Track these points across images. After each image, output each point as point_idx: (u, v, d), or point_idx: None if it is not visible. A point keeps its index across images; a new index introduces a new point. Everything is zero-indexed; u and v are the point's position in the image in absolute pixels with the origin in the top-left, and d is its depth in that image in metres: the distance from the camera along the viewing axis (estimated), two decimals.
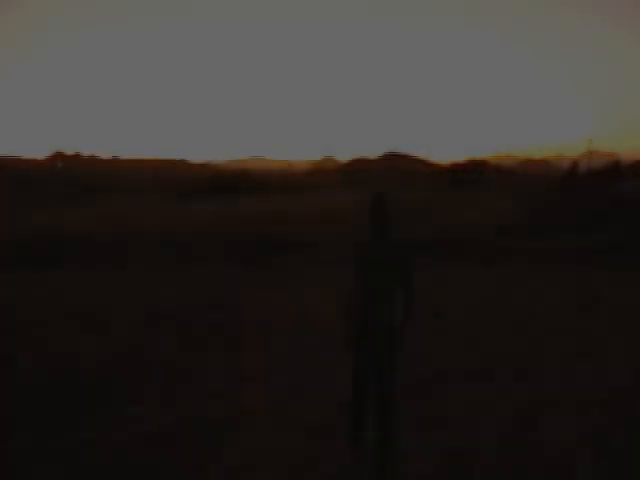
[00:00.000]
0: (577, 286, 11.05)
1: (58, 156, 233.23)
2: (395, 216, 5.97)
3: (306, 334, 7.98)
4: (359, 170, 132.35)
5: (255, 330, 8.43)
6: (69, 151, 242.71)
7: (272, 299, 10.73)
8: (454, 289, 11.23)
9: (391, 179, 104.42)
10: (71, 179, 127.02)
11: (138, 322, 9.09)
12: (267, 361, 6.94)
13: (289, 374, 6.43)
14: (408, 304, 3.83)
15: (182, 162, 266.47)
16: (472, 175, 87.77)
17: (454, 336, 7.80)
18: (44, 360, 7.17)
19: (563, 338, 7.59)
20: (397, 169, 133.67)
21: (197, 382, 6.27)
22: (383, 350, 3.79)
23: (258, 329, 8.49)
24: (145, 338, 8.16)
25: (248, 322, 8.93)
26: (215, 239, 22.10)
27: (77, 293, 11.85)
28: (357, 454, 4.14)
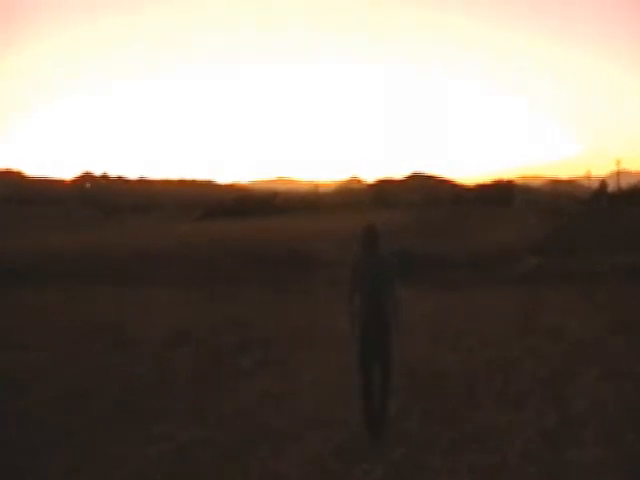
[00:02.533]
0: (610, 306, 10.88)
1: (86, 177, 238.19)
2: (384, 240, 6.16)
3: (327, 353, 8.01)
4: (385, 191, 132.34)
5: (277, 349, 8.50)
6: (97, 172, 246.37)
7: (293, 318, 10.80)
8: (483, 310, 11.14)
9: (417, 199, 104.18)
10: (100, 200, 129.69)
11: (164, 340, 9.24)
12: (293, 381, 7.00)
13: (313, 394, 6.47)
14: (395, 304, 5.29)
15: (209, 183, 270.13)
16: (499, 195, 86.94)
17: (484, 356, 7.75)
18: (73, 376, 7.34)
19: (594, 360, 7.48)
20: (422, 189, 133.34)
21: (227, 400, 6.35)
22: (382, 336, 5.24)
23: (282, 348, 8.56)
24: (171, 355, 8.29)
25: (270, 341, 9.01)
26: (238, 258, 22.27)
27: (105, 311, 12.10)
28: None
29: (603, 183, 73.92)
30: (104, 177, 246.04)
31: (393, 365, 5.44)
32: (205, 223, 64.30)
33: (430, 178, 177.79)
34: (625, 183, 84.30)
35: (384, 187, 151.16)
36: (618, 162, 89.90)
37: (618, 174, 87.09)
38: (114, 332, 9.92)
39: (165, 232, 46.55)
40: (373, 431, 5.19)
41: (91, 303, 13.33)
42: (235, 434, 5.42)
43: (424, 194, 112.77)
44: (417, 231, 32.64)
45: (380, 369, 5.37)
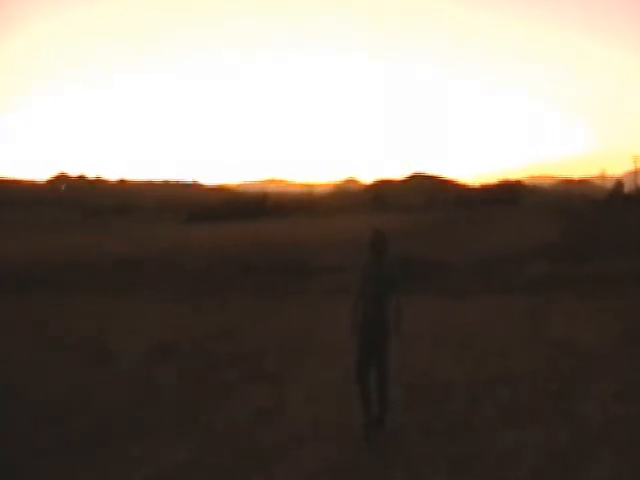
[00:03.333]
0: (626, 315, 10.89)
1: (62, 178, 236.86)
2: (391, 248, 6.32)
3: (323, 366, 7.99)
4: (384, 192, 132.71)
5: (269, 362, 8.47)
6: (73, 173, 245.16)
7: (287, 328, 10.78)
8: (488, 319, 11.15)
9: (417, 201, 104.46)
10: (77, 202, 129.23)
11: (147, 354, 9.20)
12: (286, 396, 6.97)
13: (308, 410, 6.44)
14: (397, 310, 5.61)
15: (194, 185, 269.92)
16: (505, 196, 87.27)
17: (490, 369, 7.74)
18: (49, 393, 7.29)
19: (608, 373, 7.48)
20: (423, 191, 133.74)
21: (215, 418, 6.32)
22: (381, 337, 5.57)
23: (272, 360, 8.53)
24: (155, 370, 8.25)
25: (261, 353, 8.99)
26: (228, 265, 22.23)
27: (85, 323, 12.04)
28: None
29: (619, 183, 74.28)
30: (81, 178, 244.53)
31: (390, 372, 5.70)
32: (191, 227, 64.25)
33: (431, 179, 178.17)
34: None
35: (383, 188, 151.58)
36: (636, 160, 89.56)
37: (636, 173, 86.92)
38: (94, 345, 9.88)
39: (148, 237, 46.47)
40: (372, 434, 5.53)
41: (69, 314, 13.27)
42: (223, 455, 5.39)
43: (425, 196, 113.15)
44: (418, 235, 32.71)
45: (377, 376, 5.65)
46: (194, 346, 9.64)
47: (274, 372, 7.97)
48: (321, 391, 7.03)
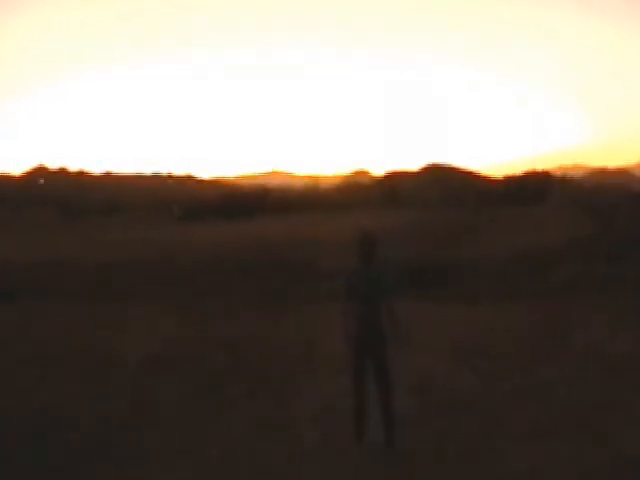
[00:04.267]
0: None
1: (39, 171, 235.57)
2: (380, 249, 6.42)
3: (330, 377, 8.10)
4: (396, 186, 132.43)
5: (272, 374, 8.59)
6: (53, 166, 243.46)
7: (291, 337, 10.88)
8: (510, 326, 11.22)
9: (433, 196, 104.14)
10: (58, 198, 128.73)
11: (143, 365, 9.33)
12: (291, 410, 7.09)
13: (312, 426, 6.56)
14: (392, 316, 5.74)
15: (188, 178, 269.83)
16: (532, 189, 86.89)
17: (512, 380, 7.84)
18: (34, 409, 7.41)
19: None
20: (441, 184, 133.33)
21: (216, 434, 6.44)
22: (376, 341, 5.72)
23: (276, 373, 8.64)
24: (152, 383, 8.38)
25: (264, 365, 9.10)
26: (226, 268, 22.35)
27: (74, 332, 12.16)
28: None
29: None
30: (62, 171, 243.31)
31: (392, 382, 5.84)
32: (186, 226, 64.34)
33: (449, 170, 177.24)
34: None
35: (395, 182, 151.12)
36: None
37: None
38: (83, 356, 10.00)
39: (139, 237, 46.58)
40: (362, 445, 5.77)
41: (57, 322, 13.39)
42: (225, 475, 5.51)
43: (442, 189, 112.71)
44: (435, 234, 32.71)
45: (379, 388, 5.79)
46: (194, 357, 9.77)
47: (277, 386, 8.08)
48: (327, 407, 7.14)
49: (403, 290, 5.90)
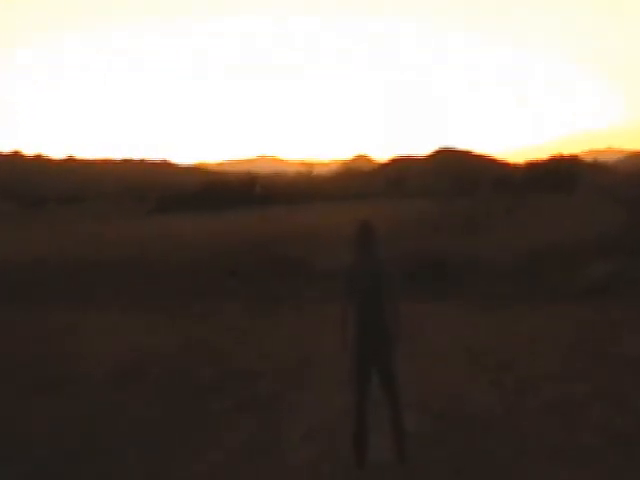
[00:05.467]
0: None
1: None
2: (381, 241, 6.39)
3: (328, 391, 8.07)
4: (402, 173, 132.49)
5: (262, 387, 8.56)
6: (4, 149, 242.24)
7: (283, 345, 10.86)
8: (536, 333, 11.21)
9: (444, 184, 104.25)
10: (8, 186, 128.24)
11: (111, 377, 9.28)
12: (283, 429, 7.06)
13: (310, 447, 6.53)
14: (394, 316, 5.85)
15: (164, 164, 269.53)
16: (558, 176, 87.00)
17: (537, 396, 7.83)
18: None
19: None
20: (453, 170, 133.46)
21: (195, 458, 6.40)
22: (379, 341, 5.80)
23: (266, 385, 8.61)
24: (121, 398, 8.33)
25: (253, 376, 9.07)
26: (207, 266, 22.31)
27: (32, 340, 12.11)
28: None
29: None
30: (16, 155, 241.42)
31: (399, 388, 5.94)
32: (161, 218, 64.29)
33: (462, 155, 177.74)
34: None
35: (401, 168, 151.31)
36: None
37: None
38: (43, 368, 9.95)
39: (108, 231, 46.52)
40: (360, 461, 5.85)
41: (12, 329, 13.34)
42: None
43: (454, 177, 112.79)
44: (446, 228, 32.74)
45: (386, 398, 5.90)
46: (171, 369, 9.72)
47: (268, 400, 8.06)
48: (324, 424, 7.12)
49: (402, 289, 5.90)
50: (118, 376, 9.37)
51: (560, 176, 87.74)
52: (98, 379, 9.25)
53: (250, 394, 8.35)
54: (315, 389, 8.43)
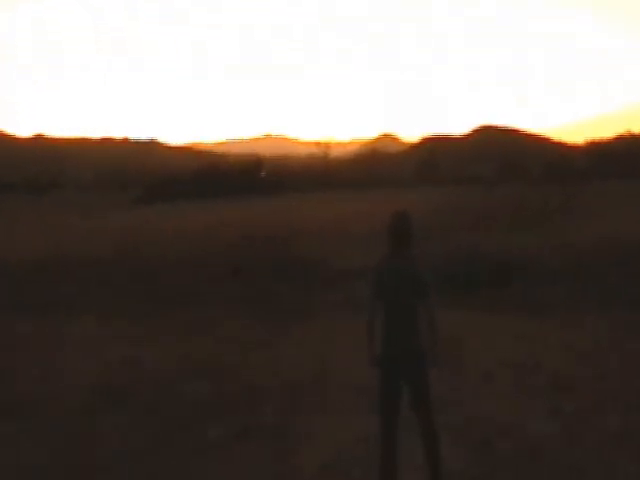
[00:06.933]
0: None
1: None
2: (417, 235, 6.32)
3: (345, 417, 8.03)
4: (436, 156, 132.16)
5: (268, 411, 8.53)
6: None
7: (292, 361, 10.84)
8: (599, 347, 11.13)
9: (486, 169, 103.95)
10: None
11: (84, 400, 9.27)
12: (293, 462, 7.02)
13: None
14: (430, 324, 5.83)
15: (152, 144, 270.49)
16: (626, 158, 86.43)
17: (605, 428, 7.76)
18: None
19: None
20: (497, 152, 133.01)
21: None
22: (413, 361, 5.86)
23: (273, 409, 8.58)
24: (97, 424, 8.32)
25: (257, 398, 9.05)
26: (204, 266, 22.34)
27: None
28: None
29: None
30: None
31: (434, 417, 6.00)
32: (148, 209, 64.42)
33: (509, 134, 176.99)
34: None
35: (435, 150, 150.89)
36: None
37: None
38: (3, 388, 9.96)
39: (84, 225, 46.71)
40: None
41: None
42: None
43: (499, 160, 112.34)
44: (489, 219, 32.59)
45: (420, 426, 5.96)
46: (159, 388, 9.70)
47: (275, 427, 8.02)
48: (343, 454, 7.08)
49: (438, 295, 6.02)
50: (96, 398, 9.35)
51: (628, 158, 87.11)
52: (71, 402, 9.24)
53: (255, 418, 8.32)
54: (332, 412, 8.40)
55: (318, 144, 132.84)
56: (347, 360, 10.31)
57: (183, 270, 21.79)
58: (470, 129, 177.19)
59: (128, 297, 17.77)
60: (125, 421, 8.48)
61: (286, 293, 17.31)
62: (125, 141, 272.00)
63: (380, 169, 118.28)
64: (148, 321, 14.64)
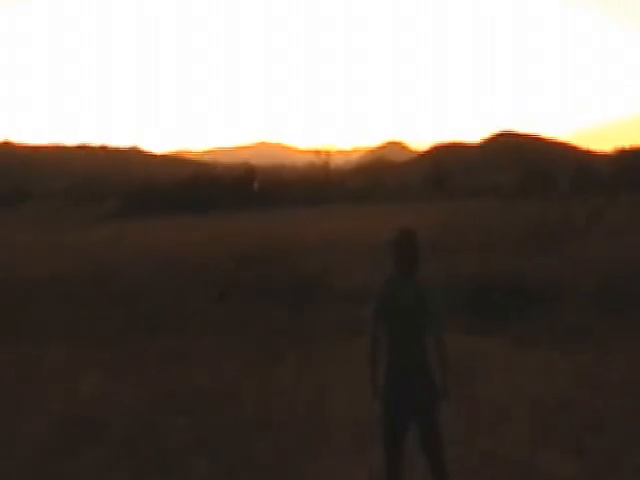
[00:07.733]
0: None
1: None
2: (423, 255, 6.34)
3: (346, 456, 7.98)
4: (448, 165, 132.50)
5: (260, 449, 8.49)
6: None
7: (287, 392, 10.80)
8: (634, 381, 11.10)
9: (505, 179, 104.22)
10: None
11: (53, 435, 9.23)
12: None
13: None
14: (440, 351, 5.94)
15: (134, 152, 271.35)
16: None
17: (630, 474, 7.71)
18: None
19: None
20: (516, 162, 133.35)
21: None
22: (421, 393, 5.88)
23: (267, 446, 8.54)
24: (65, 463, 8.27)
25: (247, 434, 9.00)
26: (189, 287, 22.38)
27: None
28: None
29: None
30: None
31: (446, 455, 5.97)
32: (128, 223, 64.55)
33: (531, 140, 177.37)
34: None
35: (446, 158, 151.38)
36: None
37: None
38: None
39: (56, 241, 46.77)
40: None
41: None
42: None
43: (519, 170, 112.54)
44: (510, 239, 32.63)
45: (430, 466, 5.93)
46: (134, 425, 9.65)
47: (268, 468, 7.97)
48: None
49: (450, 319, 6.12)
50: (66, 436, 9.30)
51: None
52: (39, 440, 9.19)
53: (243, 458, 8.27)
54: (330, 450, 8.36)
55: (317, 152, 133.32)
56: (349, 390, 10.29)
57: (164, 292, 21.78)
58: (487, 135, 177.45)
59: (103, 323, 17.74)
60: (98, 461, 8.42)
61: (279, 317, 17.30)
62: (103, 149, 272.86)
63: (386, 180, 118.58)
64: (123, 350, 14.60)
